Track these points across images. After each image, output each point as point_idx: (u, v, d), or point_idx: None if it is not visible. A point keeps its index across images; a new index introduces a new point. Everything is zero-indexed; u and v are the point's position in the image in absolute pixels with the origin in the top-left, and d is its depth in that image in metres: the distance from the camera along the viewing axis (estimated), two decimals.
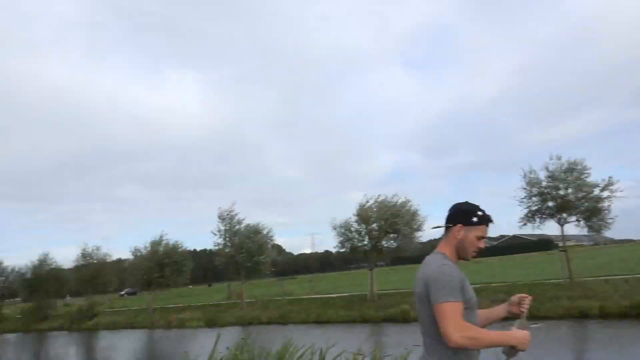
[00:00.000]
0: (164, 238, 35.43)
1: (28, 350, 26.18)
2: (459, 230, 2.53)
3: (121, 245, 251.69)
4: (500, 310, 2.65)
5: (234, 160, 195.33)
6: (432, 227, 19.14)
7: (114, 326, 32.83)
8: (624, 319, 15.78)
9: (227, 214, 31.33)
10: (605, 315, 16.43)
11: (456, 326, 2.26)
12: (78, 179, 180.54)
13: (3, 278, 44.47)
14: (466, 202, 2.63)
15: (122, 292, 73.16)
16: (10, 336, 34.86)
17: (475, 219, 2.52)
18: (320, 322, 23.44)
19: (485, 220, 2.55)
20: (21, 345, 29.55)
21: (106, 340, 26.63)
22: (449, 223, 2.58)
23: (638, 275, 20.41)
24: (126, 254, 38.15)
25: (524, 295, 2.61)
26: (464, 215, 2.55)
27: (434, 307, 2.34)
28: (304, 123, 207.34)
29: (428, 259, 2.53)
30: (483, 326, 2.54)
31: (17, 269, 44.14)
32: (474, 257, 2.58)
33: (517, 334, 2.38)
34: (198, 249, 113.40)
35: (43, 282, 40.23)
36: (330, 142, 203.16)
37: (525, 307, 2.58)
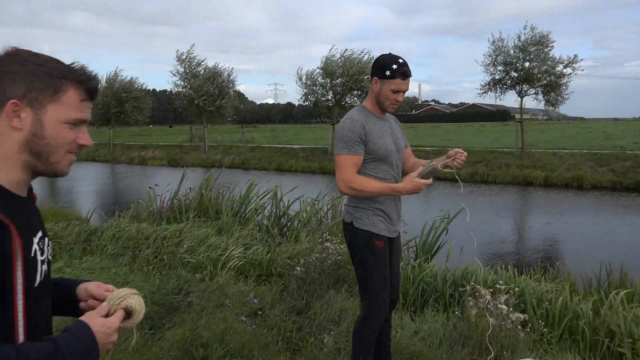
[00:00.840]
0: (119, 75, 34.66)
1: None
2: (376, 83, 2.56)
3: None
4: (440, 161, 2.66)
5: None
6: (364, 77, 18.75)
7: None
8: (565, 189, 17.01)
9: (186, 56, 30.29)
10: (548, 185, 17.65)
11: (342, 177, 2.50)
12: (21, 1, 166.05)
13: None
14: (387, 54, 2.59)
15: None
16: None
17: (388, 72, 2.51)
18: (281, 170, 24.14)
19: (400, 73, 2.51)
20: None
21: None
22: (370, 76, 2.61)
23: (584, 151, 21.59)
24: None
25: (460, 150, 2.59)
26: (379, 68, 2.55)
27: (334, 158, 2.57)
28: None
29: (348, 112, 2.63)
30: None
31: None
32: (394, 109, 2.63)
33: (406, 185, 2.49)
34: (158, 90, 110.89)
35: None
36: None
37: (458, 162, 2.56)
